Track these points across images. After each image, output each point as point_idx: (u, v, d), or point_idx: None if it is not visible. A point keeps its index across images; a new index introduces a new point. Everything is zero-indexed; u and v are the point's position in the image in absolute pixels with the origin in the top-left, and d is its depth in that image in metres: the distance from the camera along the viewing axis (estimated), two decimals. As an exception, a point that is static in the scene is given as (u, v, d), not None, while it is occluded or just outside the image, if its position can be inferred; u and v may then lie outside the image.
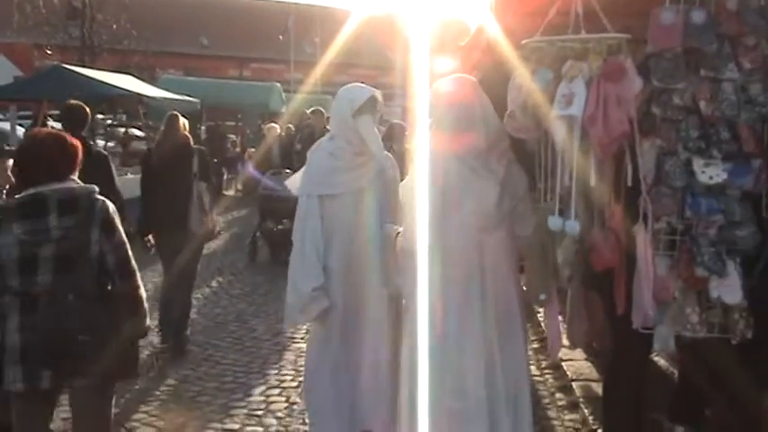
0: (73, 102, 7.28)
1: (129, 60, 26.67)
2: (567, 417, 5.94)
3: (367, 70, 41.53)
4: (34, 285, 3.68)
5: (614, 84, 3.44)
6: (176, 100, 16.71)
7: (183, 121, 7.72)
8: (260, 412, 6.11)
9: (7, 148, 4.61)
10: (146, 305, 4.05)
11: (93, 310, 3.70)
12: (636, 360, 4.53)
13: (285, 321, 5.07)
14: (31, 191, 3.76)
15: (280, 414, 6.06)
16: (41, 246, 3.68)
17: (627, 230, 3.77)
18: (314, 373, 4.95)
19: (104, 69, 17.08)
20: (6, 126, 21.25)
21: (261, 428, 5.82)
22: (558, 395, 6.38)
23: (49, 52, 22.95)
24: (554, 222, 3.80)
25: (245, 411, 6.13)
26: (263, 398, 6.42)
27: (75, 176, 3.92)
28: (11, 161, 4.24)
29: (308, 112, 13.03)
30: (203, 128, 21.23)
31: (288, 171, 11.48)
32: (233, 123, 26.31)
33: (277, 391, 6.57)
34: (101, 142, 18.17)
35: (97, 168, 6.07)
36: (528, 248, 4.18)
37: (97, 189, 3.90)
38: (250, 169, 9.14)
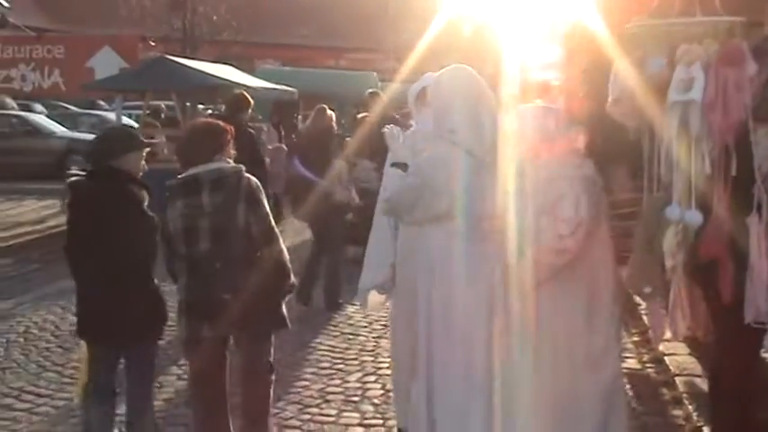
0: (237, 92, 9.24)
1: (229, 51, 27.11)
2: (670, 413, 5.79)
3: (462, 58, 41.11)
4: (196, 252, 4.36)
5: (733, 68, 3.31)
6: (275, 90, 16.88)
7: (329, 113, 9.36)
8: (356, 398, 6.15)
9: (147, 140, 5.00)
10: (289, 266, 4.58)
11: (238, 274, 4.28)
12: (745, 355, 4.37)
13: (357, 297, 5.12)
14: (190, 171, 4.40)
15: (376, 401, 6.08)
16: (199, 219, 4.33)
17: (735, 221, 3.65)
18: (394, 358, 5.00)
19: (205, 60, 17.42)
20: (112, 116, 21.92)
21: (357, 414, 5.85)
22: (661, 390, 6.22)
23: (152, 44, 23.50)
24: (673, 212, 3.68)
25: (341, 397, 6.17)
26: (359, 384, 6.45)
27: (227, 156, 4.53)
28: (145, 151, 4.80)
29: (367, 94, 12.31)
30: (300, 117, 21.39)
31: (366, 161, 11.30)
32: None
33: (373, 378, 6.59)
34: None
35: (244, 145, 6.70)
36: (634, 240, 4.07)
37: (244, 168, 4.47)
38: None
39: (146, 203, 4.54)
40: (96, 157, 4.64)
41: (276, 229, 4.52)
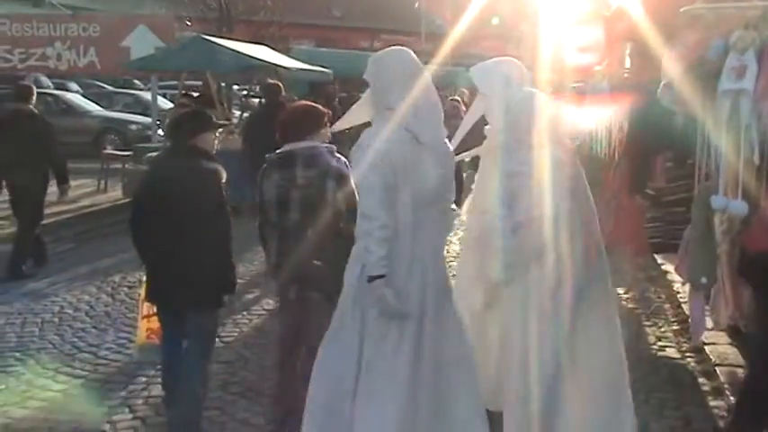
0: (270, 81, 9.89)
1: (264, 32, 26.99)
2: (711, 403, 5.67)
3: (496, 42, 41.04)
4: (287, 220, 4.76)
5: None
6: (311, 71, 16.80)
7: None
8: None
9: (220, 121, 5.31)
10: None
11: (327, 243, 4.60)
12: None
13: None
14: (286, 147, 4.83)
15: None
16: (291, 190, 4.74)
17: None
18: None
19: (240, 40, 17.39)
20: (147, 95, 21.97)
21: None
22: (700, 380, 6.10)
23: (188, 23, 23.46)
24: (718, 202, 3.57)
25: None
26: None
27: (322, 137, 4.91)
28: (217, 132, 5.26)
29: None
30: (336, 99, 21.30)
31: None
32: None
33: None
34: (236, 113, 18.48)
35: None
36: (691, 229, 3.97)
37: (335, 148, 4.88)
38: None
39: (223, 179, 4.94)
40: (175, 135, 5.21)
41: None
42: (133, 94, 26.34)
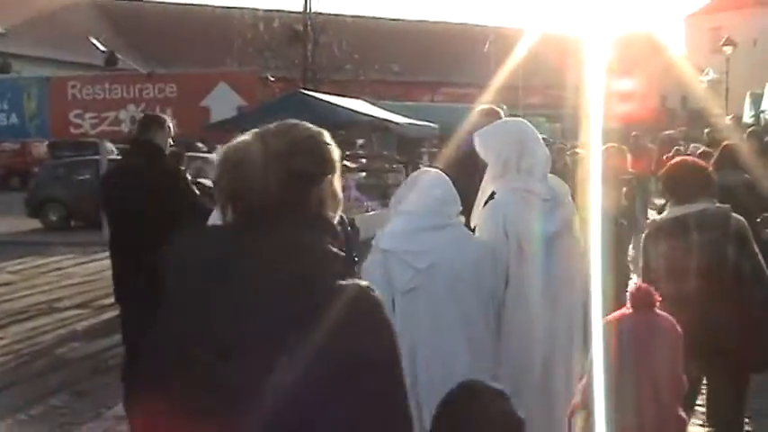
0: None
1: (351, 88, 25.45)
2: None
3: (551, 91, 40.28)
4: (684, 291, 4.37)
5: None
6: (420, 126, 15.16)
7: None
8: None
9: None
10: None
11: (738, 309, 4.28)
12: None
13: None
14: (676, 211, 4.63)
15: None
16: (685, 258, 4.45)
17: None
18: None
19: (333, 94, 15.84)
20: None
21: None
22: None
23: (272, 79, 21.75)
24: None
25: None
26: None
27: (709, 195, 4.60)
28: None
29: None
30: (427, 156, 19.61)
31: None
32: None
33: None
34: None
35: None
36: None
37: (730, 208, 4.57)
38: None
39: None
40: None
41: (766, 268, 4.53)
42: (203, 158, 24.76)
